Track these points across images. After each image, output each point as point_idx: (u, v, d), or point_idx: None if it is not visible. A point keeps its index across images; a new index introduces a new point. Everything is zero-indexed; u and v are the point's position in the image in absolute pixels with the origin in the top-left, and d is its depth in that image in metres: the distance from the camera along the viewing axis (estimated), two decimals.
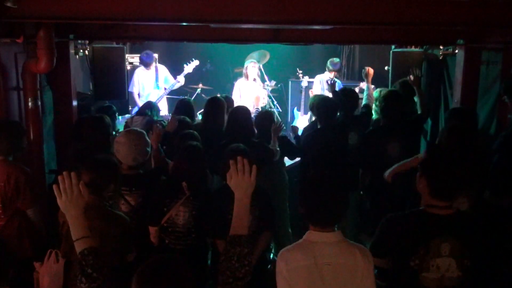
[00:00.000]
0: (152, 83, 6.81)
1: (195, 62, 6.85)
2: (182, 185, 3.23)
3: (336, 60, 6.97)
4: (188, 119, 4.57)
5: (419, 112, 4.52)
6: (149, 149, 3.57)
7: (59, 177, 1.99)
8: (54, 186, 1.99)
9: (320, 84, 6.98)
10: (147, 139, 3.58)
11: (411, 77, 4.60)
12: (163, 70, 6.96)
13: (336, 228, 2.25)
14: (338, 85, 6.85)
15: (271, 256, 4.28)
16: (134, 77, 6.77)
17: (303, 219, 2.29)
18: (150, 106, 5.35)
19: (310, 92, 7.06)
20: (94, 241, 2.00)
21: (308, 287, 2.19)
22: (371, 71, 5.82)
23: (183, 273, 1.64)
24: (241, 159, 1.95)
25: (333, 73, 6.81)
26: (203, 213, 3.27)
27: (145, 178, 3.52)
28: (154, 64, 6.85)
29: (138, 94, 6.83)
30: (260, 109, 5.64)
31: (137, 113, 5.36)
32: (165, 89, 6.80)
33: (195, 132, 4.00)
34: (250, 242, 1.95)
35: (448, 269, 2.35)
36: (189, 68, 6.80)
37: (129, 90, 6.46)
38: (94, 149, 3.61)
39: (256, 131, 4.42)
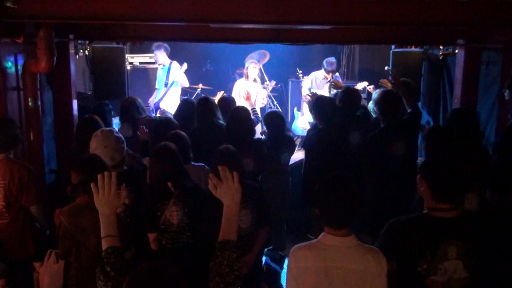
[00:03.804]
0: (162, 80, 6.83)
1: (184, 66, 6.79)
2: (168, 185, 3.21)
3: (333, 60, 6.80)
4: (173, 120, 4.45)
5: (408, 111, 4.47)
6: (123, 145, 3.47)
7: (99, 176, 2.04)
8: (92, 184, 2.04)
9: (314, 83, 6.92)
10: (116, 134, 3.47)
11: (389, 78, 4.57)
12: (175, 68, 6.85)
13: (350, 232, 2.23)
14: (337, 78, 6.82)
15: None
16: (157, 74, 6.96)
17: (318, 220, 2.28)
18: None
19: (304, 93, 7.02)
20: (119, 241, 2.04)
21: None
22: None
23: (173, 280, 1.60)
24: (222, 168, 1.95)
25: (330, 74, 6.70)
26: (197, 211, 3.26)
27: (131, 174, 3.48)
28: (169, 60, 6.84)
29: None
30: (255, 108, 5.60)
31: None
32: (165, 84, 6.75)
33: (181, 132, 3.90)
34: (238, 247, 1.94)
35: (455, 271, 2.32)
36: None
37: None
38: (86, 150, 3.54)
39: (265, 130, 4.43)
